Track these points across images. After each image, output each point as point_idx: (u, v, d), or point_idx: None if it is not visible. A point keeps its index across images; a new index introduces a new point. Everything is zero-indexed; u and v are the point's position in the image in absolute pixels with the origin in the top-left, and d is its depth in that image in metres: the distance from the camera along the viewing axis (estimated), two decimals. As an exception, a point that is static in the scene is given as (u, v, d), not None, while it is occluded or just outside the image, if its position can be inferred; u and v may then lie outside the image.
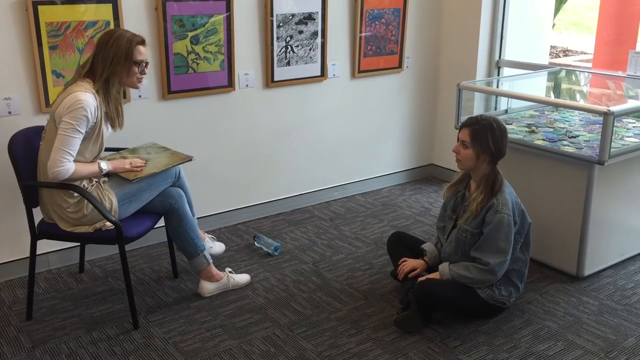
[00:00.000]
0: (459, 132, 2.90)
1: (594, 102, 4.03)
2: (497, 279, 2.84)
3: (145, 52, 2.81)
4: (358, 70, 4.32)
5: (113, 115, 2.84)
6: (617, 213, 3.38)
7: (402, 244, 3.23)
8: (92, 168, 2.78)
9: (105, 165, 2.83)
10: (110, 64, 2.71)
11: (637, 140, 3.35)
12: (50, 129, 2.72)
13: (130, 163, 2.93)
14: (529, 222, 2.95)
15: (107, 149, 3.12)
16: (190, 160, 3.08)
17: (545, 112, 3.97)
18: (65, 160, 2.64)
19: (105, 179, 2.88)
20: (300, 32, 3.95)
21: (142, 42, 2.80)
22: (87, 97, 2.65)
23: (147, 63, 2.84)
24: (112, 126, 2.88)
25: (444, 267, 2.91)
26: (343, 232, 3.97)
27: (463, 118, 3.72)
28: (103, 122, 2.77)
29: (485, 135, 2.81)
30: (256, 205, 4.14)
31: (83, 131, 2.66)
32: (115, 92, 2.81)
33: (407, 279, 3.04)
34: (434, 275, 2.93)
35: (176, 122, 3.65)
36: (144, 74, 2.85)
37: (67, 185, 2.72)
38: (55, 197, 2.77)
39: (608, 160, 3.05)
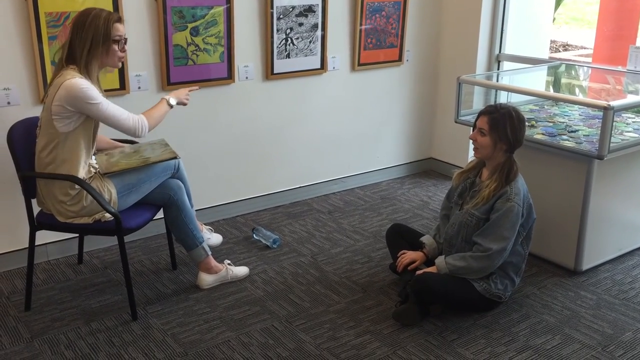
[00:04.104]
0: (477, 120, 2.89)
1: (594, 96, 4.01)
2: (494, 267, 2.83)
3: (123, 29, 2.77)
4: (358, 63, 4.31)
5: None
6: (616, 208, 3.38)
7: (401, 236, 3.23)
8: (161, 108, 2.94)
9: (173, 101, 2.99)
10: (89, 46, 2.68)
11: (637, 135, 3.34)
12: (45, 121, 2.70)
13: (187, 90, 3.08)
14: (534, 217, 2.95)
15: (113, 140, 3.12)
16: (176, 158, 3.01)
17: (545, 107, 3.96)
18: (131, 119, 2.76)
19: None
20: (301, 24, 3.94)
21: (119, 19, 2.77)
22: (81, 81, 2.64)
23: (126, 40, 2.80)
24: None
25: (440, 260, 2.92)
26: (342, 225, 3.97)
27: (463, 112, 3.72)
28: None
29: (504, 124, 2.80)
30: (255, 198, 4.14)
31: (104, 99, 2.70)
32: (97, 73, 2.78)
33: (406, 271, 3.04)
34: (431, 269, 2.93)
35: (175, 114, 3.62)
36: (124, 51, 2.81)
37: (67, 176, 2.71)
38: (53, 191, 2.76)
39: (607, 155, 3.05)
